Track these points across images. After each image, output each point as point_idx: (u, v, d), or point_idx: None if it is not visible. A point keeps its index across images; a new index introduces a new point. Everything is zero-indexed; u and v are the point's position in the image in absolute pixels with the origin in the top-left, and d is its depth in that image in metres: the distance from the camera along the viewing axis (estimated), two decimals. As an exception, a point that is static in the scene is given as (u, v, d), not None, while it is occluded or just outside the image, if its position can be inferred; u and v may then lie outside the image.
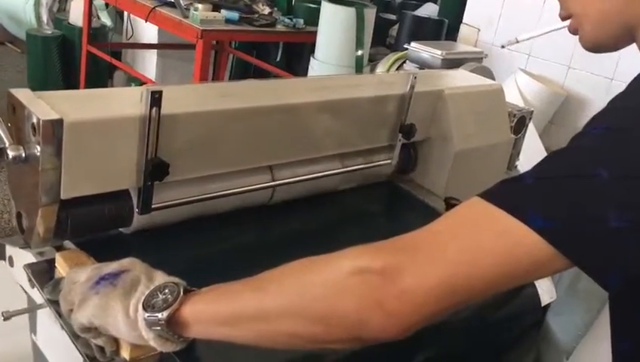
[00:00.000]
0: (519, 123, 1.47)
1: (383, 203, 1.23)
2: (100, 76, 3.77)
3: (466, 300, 0.57)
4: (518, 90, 2.52)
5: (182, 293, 0.66)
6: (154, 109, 0.79)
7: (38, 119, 0.72)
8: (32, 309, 0.79)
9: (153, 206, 0.86)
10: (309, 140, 1.03)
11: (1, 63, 4.41)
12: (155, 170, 0.82)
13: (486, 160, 1.32)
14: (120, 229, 0.90)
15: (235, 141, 0.91)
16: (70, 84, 3.77)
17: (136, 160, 0.82)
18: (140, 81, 3.48)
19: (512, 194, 0.57)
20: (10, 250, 0.88)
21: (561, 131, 2.73)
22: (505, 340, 1.06)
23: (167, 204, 0.88)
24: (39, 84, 3.67)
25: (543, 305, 1.10)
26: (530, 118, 1.53)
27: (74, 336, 0.71)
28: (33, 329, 0.93)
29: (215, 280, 0.86)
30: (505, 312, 1.03)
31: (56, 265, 0.80)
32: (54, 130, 0.73)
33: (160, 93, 0.79)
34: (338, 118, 1.06)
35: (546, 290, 1.11)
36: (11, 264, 0.88)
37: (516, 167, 1.60)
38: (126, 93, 0.84)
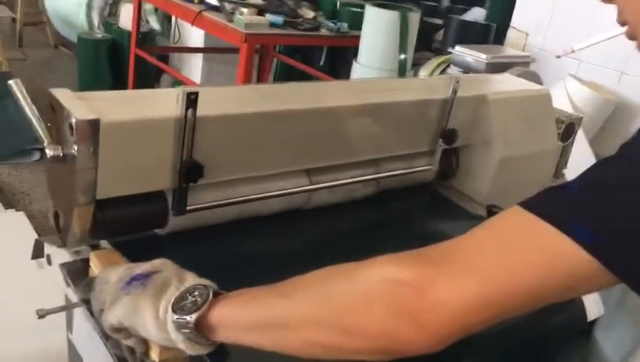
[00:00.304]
0: (567, 130, 1.41)
1: (421, 209, 1.20)
2: (148, 79, 3.85)
3: (502, 315, 0.54)
4: (568, 96, 2.44)
5: (211, 296, 0.65)
6: (189, 111, 0.79)
7: (76, 119, 0.73)
8: (66, 308, 0.80)
9: (188, 208, 0.85)
10: (347, 144, 1.01)
11: (52, 66, 4.55)
12: (190, 172, 0.81)
13: (531, 167, 1.27)
14: (155, 230, 0.90)
15: (272, 144, 0.90)
16: (119, 86, 3.86)
17: (171, 161, 0.81)
18: (185, 85, 3.53)
19: (556, 204, 0.54)
20: (48, 248, 0.89)
21: (613, 138, 2.63)
22: (547, 355, 1.01)
23: (202, 206, 0.87)
24: (89, 86, 3.77)
25: (590, 319, 1.05)
26: (579, 125, 1.47)
27: (105, 336, 0.71)
28: (70, 327, 0.94)
29: (248, 283, 0.85)
30: (548, 326, 0.99)
31: (90, 264, 0.80)
32: (91, 130, 0.74)
33: (196, 94, 0.79)
34: (378, 122, 1.04)
35: (593, 304, 1.06)
36: (49, 262, 0.89)
37: (564, 175, 1.54)
38: (165, 94, 0.84)
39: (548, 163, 1.33)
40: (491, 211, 1.13)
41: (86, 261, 0.81)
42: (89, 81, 3.82)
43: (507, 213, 0.56)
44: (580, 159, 1.73)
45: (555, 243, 0.52)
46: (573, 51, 2.19)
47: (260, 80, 3.93)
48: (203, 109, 0.80)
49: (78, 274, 0.81)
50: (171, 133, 0.80)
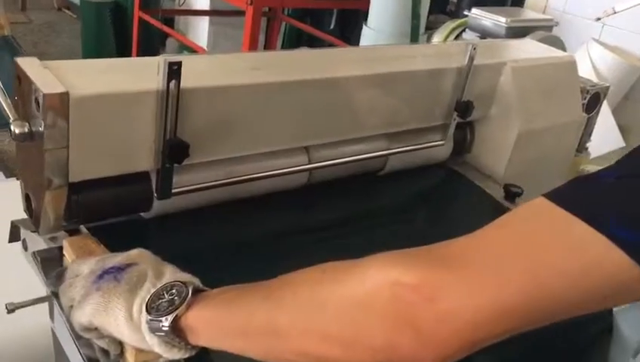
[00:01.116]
0: (593, 100, 1.31)
1: (432, 188, 1.12)
2: (152, 44, 3.74)
3: (520, 328, 0.46)
4: (591, 62, 2.31)
5: (190, 295, 0.57)
6: (172, 82, 0.70)
7: (42, 92, 0.64)
8: (37, 301, 0.73)
9: (173, 190, 0.77)
10: (352, 119, 0.92)
11: (56, 30, 4.45)
12: (174, 152, 0.73)
13: (553, 141, 1.17)
14: (141, 214, 0.82)
15: (266, 120, 0.81)
16: (123, 51, 3.75)
17: (153, 139, 0.73)
18: (191, 50, 3.42)
19: (589, 197, 0.46)
20: (24, 232, 0.82)
21: (638, 108, 2.50)
22: (572, 349, 0.93)
23: (188, 188, 0.79)
24: (92, 51, 3.67)
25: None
26: (605, 95, 1.37)
27: (75, 335, 0.63)
28: (51, 315, 0.87)
29: (241, 272, 0.77)
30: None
31: (64, 252, 0.73)
32: (60, 105, 0.65)
33: (179, 64, 0.70)
34: (386, 93, 0.95)
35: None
36: (25, 247, 0.82)
37: (587, 148, 1.44)
38: (146, 64, 0.75)
39: (571, 136, 1.23)
40: (509, 191, 1.04)
41: (62, 249, 0.74)
42: (92, 46, 3.71)
43: (530, 206, 0.48)
44: (604, 131, 1.62)
45: (589, 243, 0.43)
46: (615, 12, 2.04)
47: (268, 45, 3.81)
48: (188, 81, 0.71)
49: (52, 263, 0.73)
50: (152, 108, 0.71)
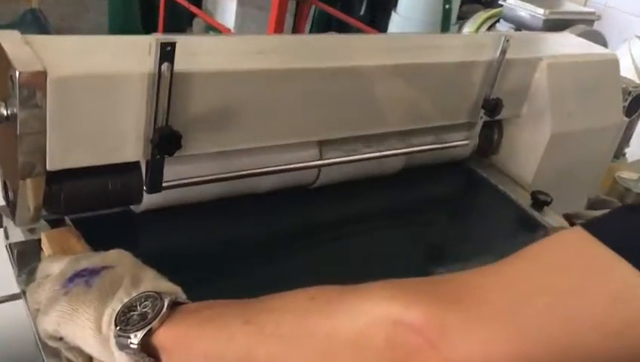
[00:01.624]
0: (635, 102, 1.20)
1: (451, 193, 1.03)
2: (179, 23, 3.68)
3: None
4: (632, 60, 2.18)
5: (165, 308, 0.51)
6: (165, 65, 0.63)
7: (16, 70, 0.58)
8: (11, 298, 0.67)
9: (165, 184, 0.71)
10: (369, 113, 0.84)
11: (86, 4, 4.41)
12: (164, 142, 0.66)
13: (589, 146, 1.08)
14: (130, 207, 0.76)
15: (271, 110, 0.74)
16: (150, 30, 3.70)
17: (142, 127, 0.66)
18: (218, 30, 3.35)
19: (638, 232, 0.37)
20: (6, 220, 0.76)
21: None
22: None
23: (182, 182, 0.72)
24: (119, 28, 3.63)
25: None
26: (648, 97, 1.26)
27: (41, 343, 0.57)
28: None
29: (237, 274, 0.71)
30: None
31: (42, 246, 0.67)
32: (36, 85, 0.58)
33: (173, 45, 0.62)
34: (407, 86, 0.86)
35: None
36: (6, 236, 0.76)
37: (624, 154, 1.34)
38: (139, 43, 0.68)
39: (608, 141, 1.13)
40: (537, 199, 0.95)
41: (40, 242, 0.68)
42: (119, 22, 3.67)
43: (564, 237, 0.39)
44: (643, 135, 1.51)
45: (635, 290, 0.35)
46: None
47: (296, 29, 3.71)
48: (183, 64, 0.64)
49: (28, 257, 0.67)
50: (141, 93, 0.64)
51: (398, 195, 0.94)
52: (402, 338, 0.37)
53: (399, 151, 0.91)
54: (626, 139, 1.29)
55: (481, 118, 0.96)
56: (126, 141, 0.66)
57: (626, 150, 1.34)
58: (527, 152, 1.03)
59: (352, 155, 0.86)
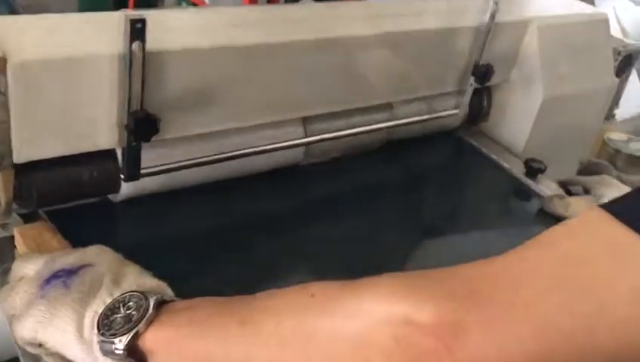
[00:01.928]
0: (624, 62, 1.18)
1: (442, 163, 1.00)
2: (151, -3, 3.57)
3: None
4: (617, 19, 2.14)
5: (151, 309, 0.47)
6: (136, 44, 0.58)
7: (-28, 57, 0.53)
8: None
9: (143, 171, 0.66)
10: (354, 86, 0.80)
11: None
12: (140, 127, 0.61)
13: (581, 109, 1.05)
14: (108, 196, 0.71)
15: (250, 88, 0.70)
16: (121, 5, 3.59)
17: (115, 113, 0.62)
18: (191, 3, 3.25)
19: None
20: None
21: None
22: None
23: (162, 168, 0.68)
24: (88, 4, 3.51)
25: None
26: (637, 56, 1.23)
27: (21, 350, 0.54)
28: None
29: (226, 261, 0.67)
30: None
31: (15, 243, 0.63)
32: (-4, 72, 0.54)
33: (143, 21, 0.58)
34: (393, 55, 0.82)
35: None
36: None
37: (614, 116, 1.32)
38: (109, 19, 0.63)
39: (600, 103, 1.10)
40: (530, 167, 0.92)
41: (14, 238, 0.64)
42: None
43: (584, 220, 0.36)
44: (631, 96, 1.49)
45: None
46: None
47: (272, -2, 3.62)
48: (156, 42, 0.60)
49: (1, 255, 0.63)
50: (112, 76, 0.60)
51: (386, 168, 0.90)
52: (413, 338, 0.34)
53: (386, 124, 0.87)
54: (615, 100, 1.26)
55: (471, 85, 0.92)
56: (98, 128, 0.62)
57: (616, 111, 1.32)
58: (519, 119, 1.00)
59: (338, 131, 0.82)
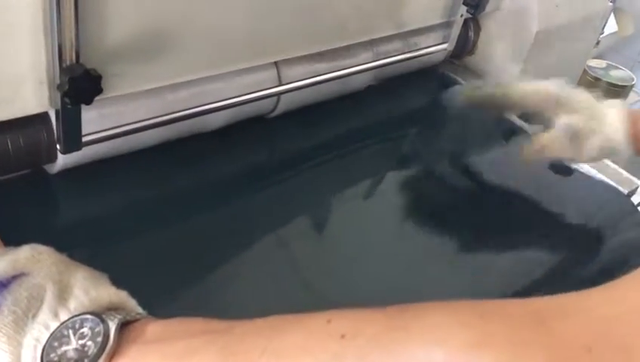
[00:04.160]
0: (615, -16, 1.07)
1: (426, 103, 0.89)
2: None
3: None
4: None
5: (112, 339, 0.36)
6: (63, -20, 0.44)
7: None
8: None
9: (85, 139, 0.54)
10: (330, 23, 0.68)
11: None
12: (76, 87, 0.48)
13: (574, 39, 0.96)
14: (44, 167, 0.58)
15: (211, 29, 0.56)
16: None
17: (44, 68, 0.48)
18: None
19: None
20: None
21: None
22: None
23: (107, 133, 0.55)
24: None
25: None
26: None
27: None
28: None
29: (193, 233, 0.57)
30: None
31: None
32: None
33: (70, -52, 0.43)
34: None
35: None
36: None
37: (598, 43, 1.23)
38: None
39: (592, 32, 1.01)
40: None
41: None
42: None
43: None
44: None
45: None
46: None
47: None
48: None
49: None
50: (35, 20, 0.46)
51: (367, 112, 0.79)
52: None
53: (369, 65, 0.76)
54: (603, 25, 1.17)
55: (462, 15, 0.81)
56: (22, 89, 0.48)
57: (600, 37, 1.23)
58: (509, 52, 0.89)
59: (315, 76, 0.70)
